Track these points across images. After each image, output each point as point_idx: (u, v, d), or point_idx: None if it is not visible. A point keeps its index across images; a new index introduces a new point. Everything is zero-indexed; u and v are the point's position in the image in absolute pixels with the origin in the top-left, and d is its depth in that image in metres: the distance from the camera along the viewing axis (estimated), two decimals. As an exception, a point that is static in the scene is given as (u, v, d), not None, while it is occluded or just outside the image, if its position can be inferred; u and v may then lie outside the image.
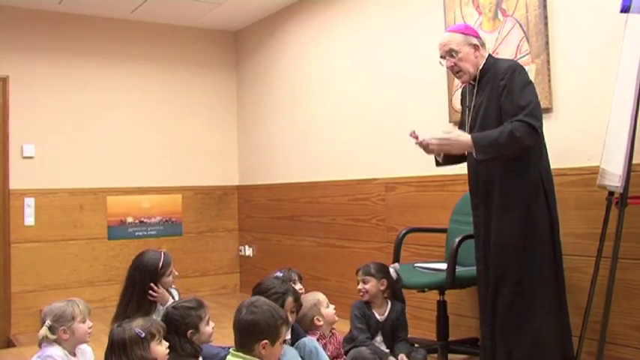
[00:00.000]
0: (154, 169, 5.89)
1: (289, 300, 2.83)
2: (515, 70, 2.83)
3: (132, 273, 3.14)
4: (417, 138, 2.98)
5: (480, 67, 2.94)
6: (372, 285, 3.31)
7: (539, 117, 2.76)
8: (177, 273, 3.27)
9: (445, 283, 3.17)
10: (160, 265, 3.12)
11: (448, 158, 3.12)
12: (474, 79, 2.97)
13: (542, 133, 2.78)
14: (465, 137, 2.84)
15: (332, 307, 3.17)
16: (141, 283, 3.08)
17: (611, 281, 2.67)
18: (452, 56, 2.95)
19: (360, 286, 3.34)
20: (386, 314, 3.33)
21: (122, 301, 3.10)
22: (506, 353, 2.79)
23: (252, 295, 2.73)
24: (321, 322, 3.08)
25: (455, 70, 2.98)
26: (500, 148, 2.74)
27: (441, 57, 3.00)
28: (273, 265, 5.25)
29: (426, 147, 2.96)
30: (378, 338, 3.31)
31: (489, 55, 3.02)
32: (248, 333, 2.36)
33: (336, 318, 3.17)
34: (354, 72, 4.79)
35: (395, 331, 3.33)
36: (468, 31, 3.00)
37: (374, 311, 3.32)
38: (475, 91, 2.98)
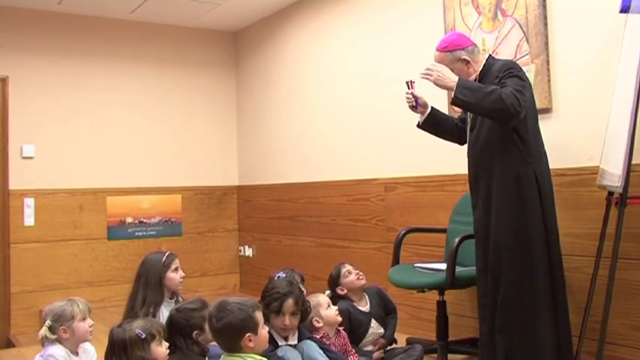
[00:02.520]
0: (154, 170, 5.89)
1: (289, 302, 2.79)
2: (510, 67, 2.85)
3: (138, 271, 3.24)
4: (412, 87, 3.13)
5: (479, 71, 2.97)
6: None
7: (525, 98, 2.73)
8: (184, 274, 3.30)
9: (445, 283, 3.17)
10: (164, 258, 3.22)
11: (428, 122, 3.23)
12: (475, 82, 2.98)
13: (524, 106, 2.72)
14: (453, 74, 2.86)
15: (334, 308, 3.16)
16: (146, 275, 3.16)
17: (610, 281, 2.67)
18: None
19: (356, 271, 3.44)
20: (368, 303, 3.46)
21: (130, 298, 3.17)
22: (505, 352, 2.80)
23: None
24: (320, 324, 3.07)
25: None
26: (480, 95, 2.72)
27: None
28: (273, 266, 5.26)
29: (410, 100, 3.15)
30: (374, 324, 3.41)
31: (489, 55, 3.03)
32: (228, 337, 2.35)
33: (339, 318, 3.16)
34: (354, 72, 4.79)
35: (385, 307, 3.52)
36: (454, 46, 2.99)
37: (359, 308, 3.41)
38: None
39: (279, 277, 3.09)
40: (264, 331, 2.41)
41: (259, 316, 2.41)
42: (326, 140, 5.08)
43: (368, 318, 3.41)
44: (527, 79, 2.88)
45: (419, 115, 3.29)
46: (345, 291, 3.42)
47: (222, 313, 2.35)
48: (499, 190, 2.85)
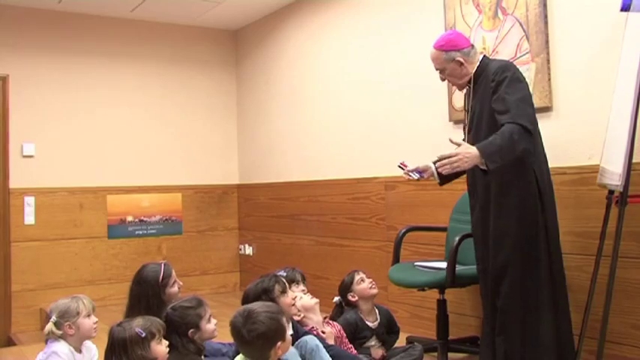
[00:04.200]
0: (154, 168, 5.88)
1: (283, 279, 2.90)
2: (505, 69, 2.81)
3: (134, 289, 3.07)
4: (405, 167, 3.04)
5: (474, 71, 2.95)
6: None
7: (530, 117, 2.73)
8: (181, 283, 3.20)
9: (445, 281, 3.17)
10: (161, 277, 3.06)
11: (444, 176, 3.01)
12: (470, 82, 2.97)
13: (534, 132, 2.74)
14: (473, 149, 2.69)
15: (306, 295, 3.21)
16: (145, 298, 3.01)
17: (611, 280, 2.67)
18: (441, 72, 3.05)
19: (369, 279, 3.41)
20: (378, 321, 3.42)
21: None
22: (506, 353, 2.79)
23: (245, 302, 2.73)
24: (301, 314, 3.11)
25: (448, 82, 3.14)
26: (503, 153, 2.66)
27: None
28: (273, 264, 5.26)
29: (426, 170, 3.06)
30: (373, 342, 3.37)
31: (484, 56, 3.01)
32: (260, 347, 2.28)
33: (313, 300, 3.18)
34: (354, 70, 4.79)
35: (389, 330, 3.47)
36: (450, 46, 2.96)
37: (366, 321, 3.38)
38: (471, 94, 2.99)
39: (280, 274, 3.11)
40: (288, 335, 2.39)
41: (285, 320, 2.38)
42: (326, 139, 5.08)
43: (371, 333, 3.38)
44: (524, 78, 2.86)
45: (432, 176, 3.16)
46: (357, 298, 3.39)
47: (253, 324, 2.26)
48: (498, 191, 2.83)
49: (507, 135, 2.66)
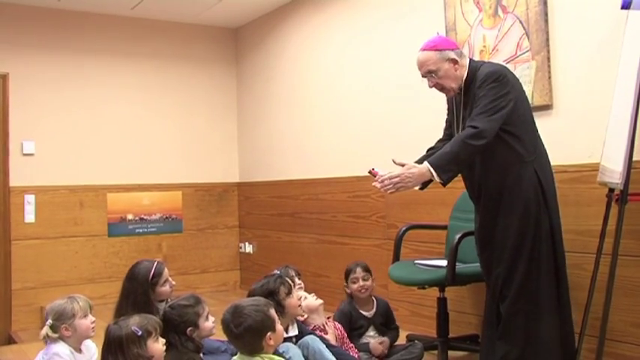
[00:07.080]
0: (155, 166, 5.88)
1: (288, 281, 2.89)
2: (489, 76, 2.73)
3: (125, 284, 3.08)
4: (375, 175, 2.84)
5: (464, 78, 2.86)
6: (371, 281, 3.48)
7: (492, 122, 2.65)
8: (174, 283, 3.18)
9: (445, 279, 3.17)
10: (152, 275, 3.05)
11: (425, 182, 2.88)
12: (460, 89, 2.89)
13: (490, 133, 2.65)
14: (420, 167, 2.69)
15: (310, 295, 3.22)
16: (134, 294, 3.00)
17: (611, 278, 2.67)
18: (432, 76, 2.85)
19: (361, 283, 3.42)
20: (374, 310, 3.46)
21: (116, 314, 2.96)
22: (506, 353, 2.77)
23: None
24: (305, 315, 3.13)
25: (438, 88, 2.90)
26: (458, 160, 2.67)
27: (423, 77, 2.92)
28: (273, 262, 5.26)
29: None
30: (372, 332, 3.42)
31: (471, 60, 2.92)
32: (249, 340, 2.34)
33: (318, 302, 3.21)
34: (354, 68, 4.78)
35: (386, 322, 3.49)
36: (443, 46, 2.86)
37: (361, 311, 3.42)
38: (462, 102, 2.91)
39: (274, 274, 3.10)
40: (280, 326, 2.44)
41: (273, 312, 2.43)
42: (326, 137, 5.08)
43: (368, 323, 3.41)
44: (511, 81, 2.75)
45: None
46: (350, 291, 3.47)
47: (239, 318, 2.34)
48: (500, 192, 2.79)
49: (458, 141, 2.66)
